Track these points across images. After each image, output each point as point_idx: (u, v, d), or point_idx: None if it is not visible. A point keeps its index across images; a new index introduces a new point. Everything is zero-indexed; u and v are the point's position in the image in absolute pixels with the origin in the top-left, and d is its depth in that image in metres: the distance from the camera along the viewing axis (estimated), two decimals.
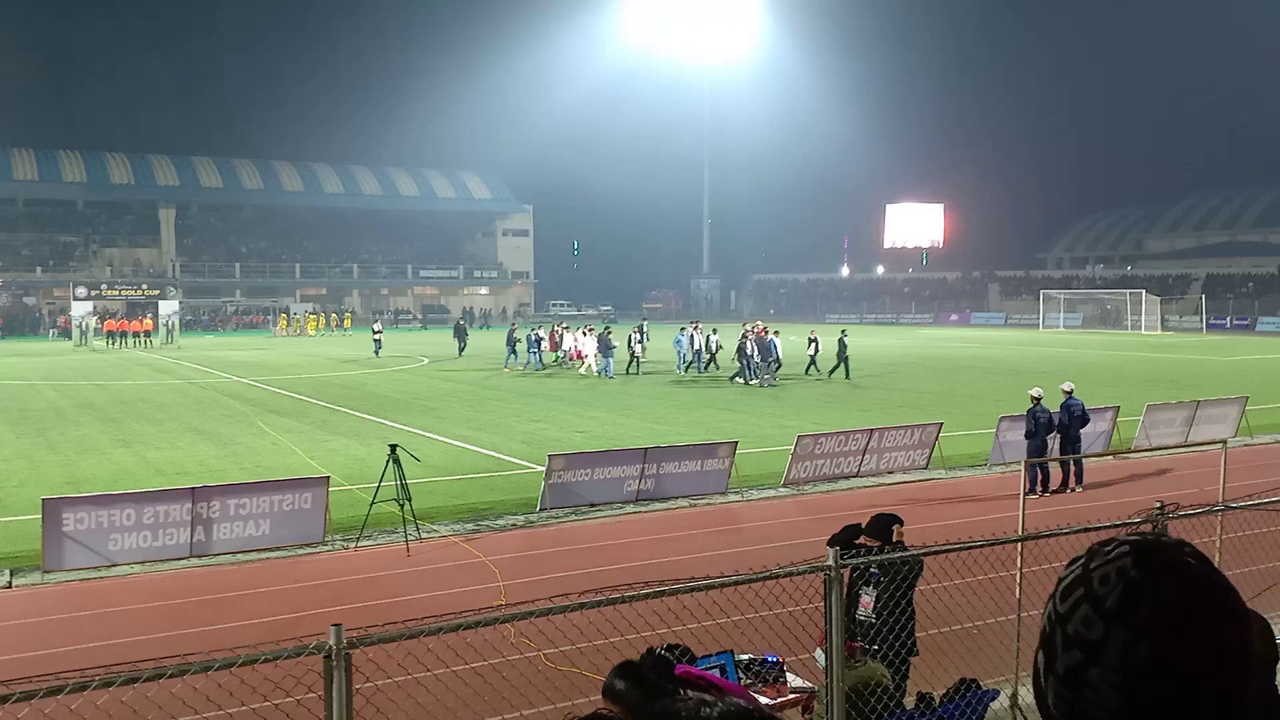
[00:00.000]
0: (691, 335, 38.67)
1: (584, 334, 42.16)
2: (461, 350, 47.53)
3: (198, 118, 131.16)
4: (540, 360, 40.33)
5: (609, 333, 38.32)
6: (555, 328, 44.40)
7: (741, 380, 33.65)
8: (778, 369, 33.71)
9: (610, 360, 36.95)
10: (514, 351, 40.91)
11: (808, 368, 36.15)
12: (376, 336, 49.61)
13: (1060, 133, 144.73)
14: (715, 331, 40.53)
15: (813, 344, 36.64)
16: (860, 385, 33.28)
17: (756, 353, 33.17)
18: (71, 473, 18.35)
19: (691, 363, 38.25)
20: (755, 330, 34.85)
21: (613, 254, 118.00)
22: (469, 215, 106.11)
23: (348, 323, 74.74)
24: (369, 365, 43.66)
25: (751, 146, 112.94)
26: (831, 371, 35.17)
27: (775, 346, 33.39)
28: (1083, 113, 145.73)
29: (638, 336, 39.41)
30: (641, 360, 38.82)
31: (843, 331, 37.13)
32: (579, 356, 40.71)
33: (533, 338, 40.61)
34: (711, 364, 38.74)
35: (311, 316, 73.72)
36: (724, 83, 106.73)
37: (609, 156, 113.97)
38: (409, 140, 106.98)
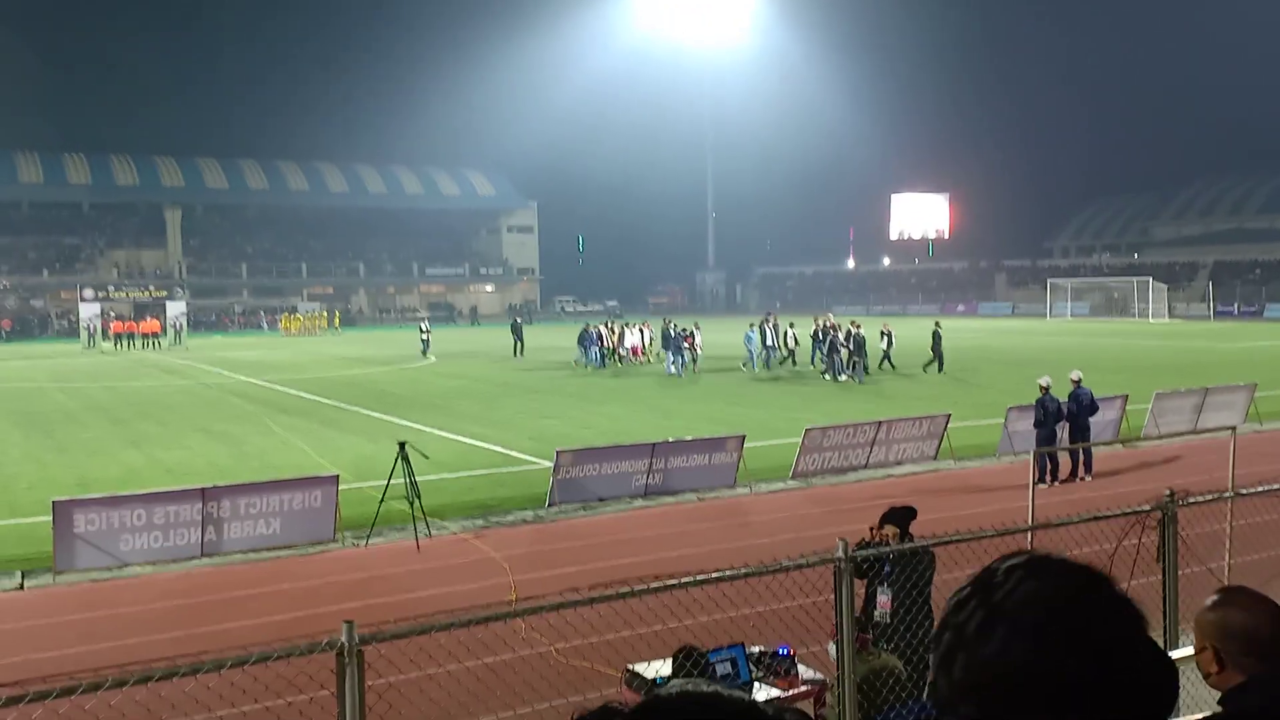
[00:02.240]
0: (764, 330, 36.60)
1: (642, 330, 40.91)
2: (518, 349, 44.45)
3: (202, 118, 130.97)
4: (599, 358, 38.56)
5: (674, 326, 35.94)
6: (609, 323, 42.49)
7: (830, 377, 32.35)
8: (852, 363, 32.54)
9: (682, 358, 35.02)
10: (585, 351, 39.05)
11: (881, 362, 34.76)
12: (425, 336, 47.65)
13: (1065, 120, 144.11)
14: (793, 325, 38.48)
15: (885, 337, 35.16)
16: (915, 376, 33.19)
17: (849, 348, 32.00)
18: (81, 474, 18.41)
19: (766, 359, 36.26)
20: (829, 323, 33.93)
21: (618, 249, 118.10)
22: (474, 212, 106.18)
23: (336, 321, 75.57)
24: (377, 363, 43.72)
25: (755, 139, 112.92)
26: (928, 365, 33.84)
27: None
28: (1087, 100, 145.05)
29: (695, 333, 36.71)
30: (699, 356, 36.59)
31: (936, 324, 35.39)
32: (639, 353, 40.03)
33: (592, 334, 38.95)
34: (790, 359, 37.16)
35: (301, 316, 74.65)
36: (726, 76, 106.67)
37: (613, 152, 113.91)
38: (413, 138, 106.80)
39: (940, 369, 33.78)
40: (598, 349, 38.84)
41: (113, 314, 65.01)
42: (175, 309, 63.42)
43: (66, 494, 14.29)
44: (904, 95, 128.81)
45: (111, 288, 74.83)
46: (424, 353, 46.32)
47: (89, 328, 60.91)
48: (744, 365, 36.59)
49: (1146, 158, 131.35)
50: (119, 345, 58.41)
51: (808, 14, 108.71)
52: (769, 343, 36.52)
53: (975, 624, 1.29)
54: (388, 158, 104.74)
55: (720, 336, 45.14)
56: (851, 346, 32.17)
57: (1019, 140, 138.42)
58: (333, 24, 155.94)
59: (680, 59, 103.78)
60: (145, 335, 59.81)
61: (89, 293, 66.74)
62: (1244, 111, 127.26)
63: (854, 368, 32.24)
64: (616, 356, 39.76)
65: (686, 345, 35.44)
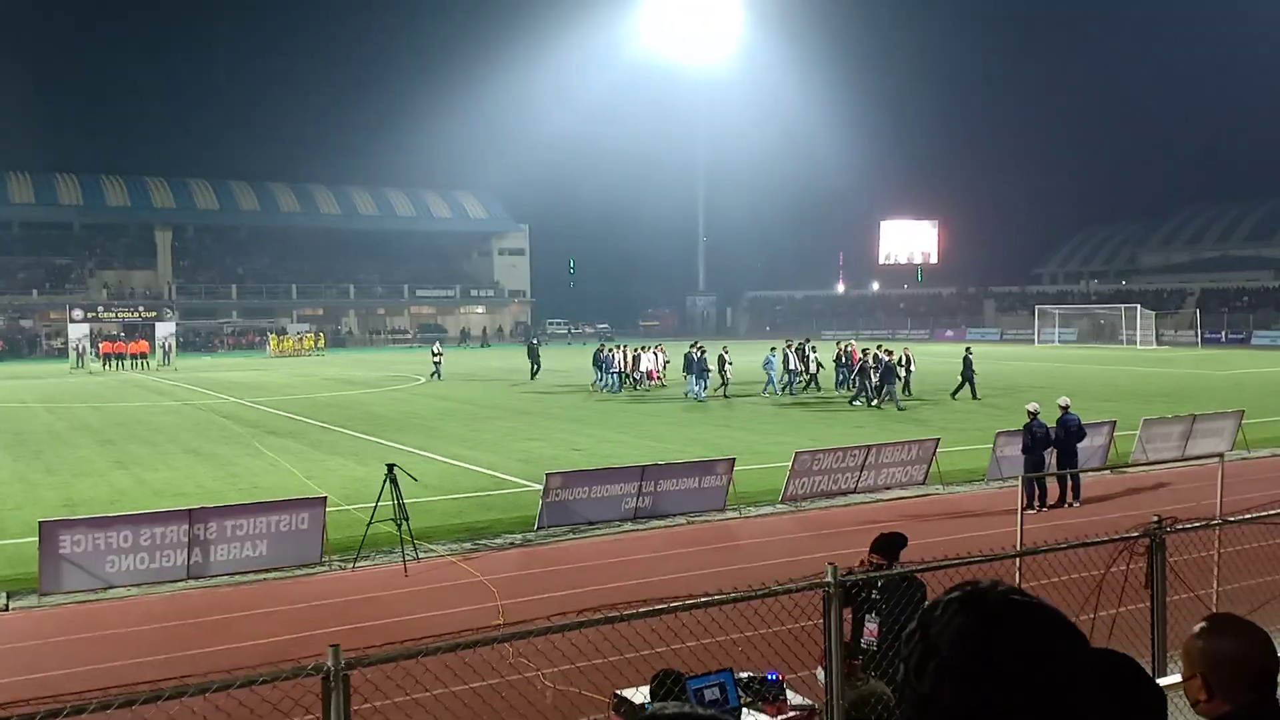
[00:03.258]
0: (786, 354, 35.89)
1: (656, 352, 40.58)
2: (535, 372, 44.36)
3: (193, 140, 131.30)
4: (615, 381, 37.92)
5: (703, 352, 34.65)
6: (621, 345, 42.00)
7: (860, 403, 31.96)
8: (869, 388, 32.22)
9: (704, 382, 34.18)
10: (601, 374, 38.66)
11: (904, 387, 34.06)
12: (437, 358, 47.34)
13: (1054, 148, 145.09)
14: (815, 349, 37.85)
15: (905, 363, 34.37)
16: (965, 402, 33.20)
17: (880, 374, 31.62)
18: (68, 495, 18.31)
19: (786, 384, 35.65)
20: (852, 349, 33.70)
21: (609, 272, 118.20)
22: (465, 235, 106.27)
23: (321, 341, 75.59)
24: (367, 385, 43.62)
25: (746, 165, 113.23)
26: (956, 391, 33.66)
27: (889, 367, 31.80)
28: (1076, 128, 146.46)
29: (727, 358, 35.95)
30: (729, 381, 35.72)
31: (967, 349, 35.24)
32: (655, 377, 39.75)
33: (606, 358, 38.44)
34: (813, 384, 36.57)
35: (291, 338, 74.75)
36: (718, 101, 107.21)
37: (604, 175, 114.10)
38: (405, 161, 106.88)
39: (973, 394, 33.45)
40: (614, 372, 38.32)
41: (105, 334, 64.79)
42: (164, 329, 63.24)
43: (53, 515, 14.21)
44: (894, 122, 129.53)
45: (101, 308, 74.73)
46: (436, 375, 45.80)
47: (78, 348, 60.66)
48: (764, 391, 35.80)
49: (1135, 186, 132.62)
50: (108, 366, 58.20)
51: (799, 40, 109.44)
52: (792, 367, 35.82)
53: (914, 661, 1.30)
54: (379, 180, 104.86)
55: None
56: (881, 371, 31.86)
57: (1008, 168, 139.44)
58: (325, 46, 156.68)
59: (672, 84, 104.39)
60: (134, 356, 59.63)
61: (78, 313, 66.66)
62: (1231, 141, 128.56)
63: (881, 393, 31.83)
64: (632, 380, 39.26)
65: (715, 369, 34.86)
